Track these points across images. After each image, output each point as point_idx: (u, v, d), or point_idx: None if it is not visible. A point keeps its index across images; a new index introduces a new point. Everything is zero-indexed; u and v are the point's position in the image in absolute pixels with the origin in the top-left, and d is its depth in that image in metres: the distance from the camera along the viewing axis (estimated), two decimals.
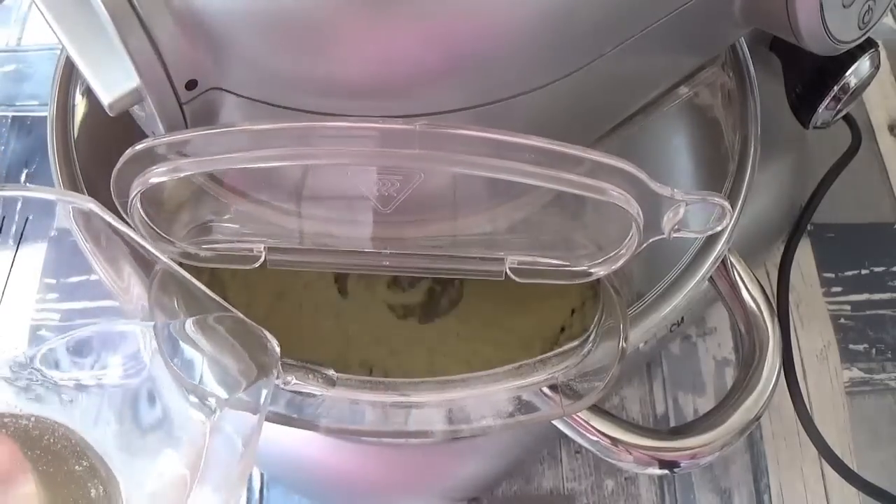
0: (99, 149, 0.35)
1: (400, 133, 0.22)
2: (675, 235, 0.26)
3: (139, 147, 0.23)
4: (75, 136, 0.36)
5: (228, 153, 0.23)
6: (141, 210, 0.25)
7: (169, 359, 0.26)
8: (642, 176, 0.24)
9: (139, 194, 0.24)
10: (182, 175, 0.23)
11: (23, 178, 0.54)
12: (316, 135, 0.22)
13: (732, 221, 0.33)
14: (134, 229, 0.26)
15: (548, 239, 0.28)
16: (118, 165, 0.24)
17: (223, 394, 0.25)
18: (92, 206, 0.26)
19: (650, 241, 0.26)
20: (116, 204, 0.25)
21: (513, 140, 0.22)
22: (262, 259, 0.27)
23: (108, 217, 0.25)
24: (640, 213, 0.24)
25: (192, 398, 0.25)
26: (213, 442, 0.23)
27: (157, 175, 0.23)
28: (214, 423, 0.22)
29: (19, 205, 0.28)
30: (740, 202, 0.35)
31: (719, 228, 0.26)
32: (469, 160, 0.22)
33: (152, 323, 0.27)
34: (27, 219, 0.30)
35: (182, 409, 0.26)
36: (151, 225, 0.26)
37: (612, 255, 0.27)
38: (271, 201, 0.27)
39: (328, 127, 0.22)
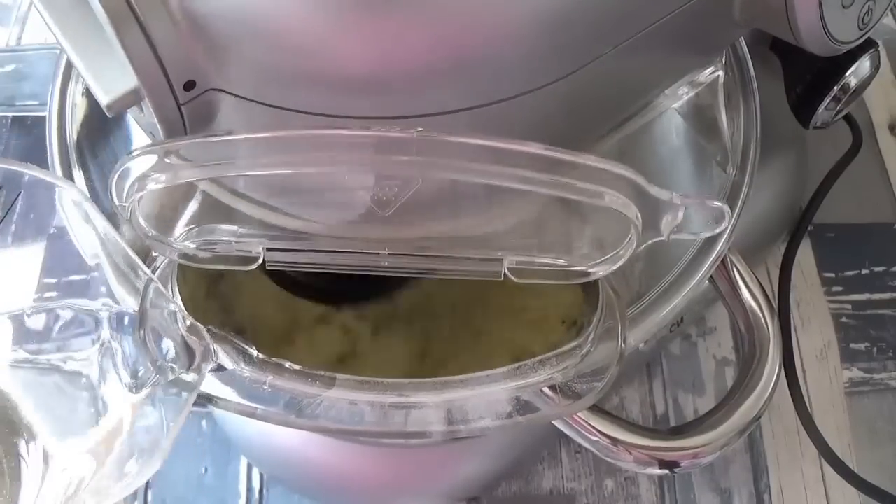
0: (98, 149, 0.35)
1: (397, 140, 0.22)
2: (674, 237, 0.26)
3: (137, 152, 0.23)
4: (74, 136, 0.36)
5: (227, 160, 0.23)
6: (140, 214, 0.25)
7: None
8: (640, 180, 0.24)
9: (138, 200, 0.24)
10: (182, 181, 0.23)
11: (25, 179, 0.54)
12: (314, 143, 0.22)
13: (733, 221, 0.33)
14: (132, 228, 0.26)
15: (546, 239, 0.28)
16: (116, 170, 0.24)
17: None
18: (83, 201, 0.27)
19: (649, 242, 0.26)
20: (115, 207, 0.25)
21: (510, 147, 0.22)
22: (260, 260, 0.27)
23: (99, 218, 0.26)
24: (639, 216, 0.24)
25: (127, 379, 0.27)
26: (140, 417, 0.25)
27: (157, 182, 0.23)
28: (141, 401, 0.23)
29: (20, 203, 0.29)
30: (740, 202, 0.35)
31: (718, 230, 0.26)
32: (466, 166, 0.22)
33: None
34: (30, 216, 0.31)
35: (116, 390, 0.27)
36: (150, 227, 0.26)
37: (610, 255, 0.27)
38: (269, 202, 0.27)
39: (326, 135, 0.22)
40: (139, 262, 0.27)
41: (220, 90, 0.23)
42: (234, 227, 0.28)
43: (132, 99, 0.23)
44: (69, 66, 0.37)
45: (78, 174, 0.35)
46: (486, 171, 0.22)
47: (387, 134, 0.22)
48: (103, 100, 0.23)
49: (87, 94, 0.36)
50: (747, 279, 0.37)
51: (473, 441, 0.41)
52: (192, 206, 0.27)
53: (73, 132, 0.36)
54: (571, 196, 0.23)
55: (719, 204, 0.25)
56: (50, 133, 0.35)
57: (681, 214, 0.25)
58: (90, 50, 0.23)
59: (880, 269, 0.53)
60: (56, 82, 0.37)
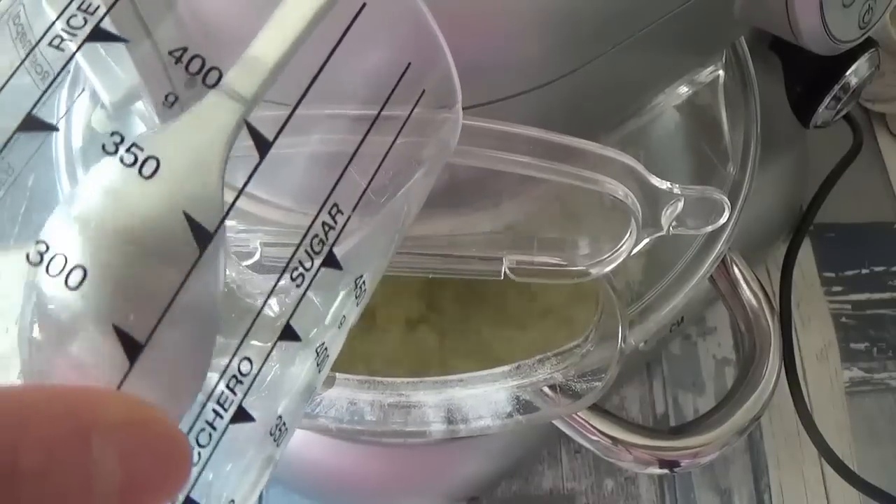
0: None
1: None
2: (674, 232, 0.26)
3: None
4: (80, 142, 0.36)
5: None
6: None
7: None
8: (640, 169, 0.24)
9: None
10: None
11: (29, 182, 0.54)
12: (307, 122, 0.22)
13: (733, 221, 0.33)
14: None
15: (546, 238, 0.28)
16: None
17: None
18: None
19: (649, 238, 0.26)
20: None
21: (511, 131, 0.22)
22: (257, 255, 0.27)
23: None
24: (638, 206, 0.24)
25: None
26: None
27: None
28: None
29: None
30: (740, 202, 0.35)
31: (720, 223, 0.26)
32: (464, 150, 0.22)
33: None
34: None
35: None
36: None
37: (610, 253, 0.27)
38: (268, 198, 0.27)
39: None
40: None
41: None
42: (233, 223, 0.28)
43: (133, 97, 0.23)
44: (76, 69, 0.37)
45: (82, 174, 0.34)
46: (485, 155, 0.22)
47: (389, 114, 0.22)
48: (106, 98, 0.23)
49: (93, 97, 0.36)
50: (748, 278, 0.37)
51: (473, 441, 0.41)
52: None
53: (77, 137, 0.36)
54: (571, 182, 0.23)
55: (719, 196, 0.25)
56: (56, 139, 0.35)
57: (680, 206, 0.25)
58: (92, 48, 0.23)
59: (880, 269, 0.53)
60: (63, 88, 0.37)
